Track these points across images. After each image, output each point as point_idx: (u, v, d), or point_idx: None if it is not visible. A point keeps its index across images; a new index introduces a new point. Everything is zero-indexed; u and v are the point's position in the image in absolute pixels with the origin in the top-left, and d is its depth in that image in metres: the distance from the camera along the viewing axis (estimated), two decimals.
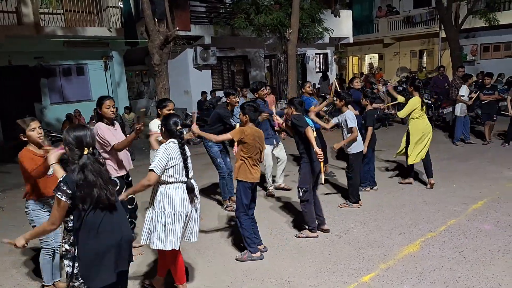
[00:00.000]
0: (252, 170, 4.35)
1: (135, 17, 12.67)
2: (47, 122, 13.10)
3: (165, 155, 3.41)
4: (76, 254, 2.60)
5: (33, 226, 3.76)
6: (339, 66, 23.02)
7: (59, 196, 2.51)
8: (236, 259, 4.42)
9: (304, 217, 4.94)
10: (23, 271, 4.58)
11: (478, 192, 6.17)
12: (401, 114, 6.72)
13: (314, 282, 3.94)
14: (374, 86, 15.24)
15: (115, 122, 4.56)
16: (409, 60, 25.10)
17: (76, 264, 2.60)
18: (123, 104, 14.64)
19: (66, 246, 3.24)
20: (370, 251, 4.51)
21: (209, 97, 14.11)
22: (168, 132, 3.57)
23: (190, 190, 3.55)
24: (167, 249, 3.48)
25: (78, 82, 14.42)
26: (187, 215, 3.54)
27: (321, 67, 20.23)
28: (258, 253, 4.43)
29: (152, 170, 3.37)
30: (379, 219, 5.38)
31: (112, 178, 4.15)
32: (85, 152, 2.57)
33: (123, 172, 4.46)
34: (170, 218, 3.45)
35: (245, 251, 4.44)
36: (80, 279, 2.67)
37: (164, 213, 3.46)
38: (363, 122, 6.36)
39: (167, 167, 3.43)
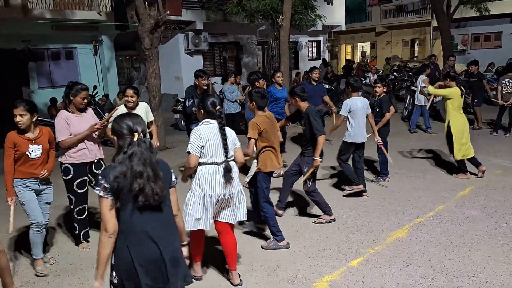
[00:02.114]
0: (274, 157, 4.28)
1: (125, 0, 12.46)
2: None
3: (197, 135, 3.39)
4: (113, 262, 2.31)
5: (19, 202, 3.94)
6: (331, 54, 22.99)
7: (98, 192, 2.24)
8: (262, 247, 4.35)
9: (319, 206, 4.91)
10: (13, 247, 4.57)
11: (467, 179, 6.24)
12: (432, 89, 6.57)
13: (303, 266, 3.98)
14: (366, 75, 15.28)
15: (87, 109, 4.44)
16: (401, 49, 25.17)
17: (114, 274, 2.31)
18: (113, 89, 14.48)
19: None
20: (359, 236, 4.56)
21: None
22: (207, 114, 3.50)
23: (227, 170, 3.47)
24: (196, 229, 3.51)
25: (67, 66, 14.21)
26: (219, 198, 3.48)
27: (314, 55, 20.19)
28: (285, 242, 4.34)
29: (188, 152, 3.40)
30: (368, 205, 5.42)
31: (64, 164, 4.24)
32: (135, 138, 2.29)
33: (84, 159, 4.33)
34: (205, 200, 3.45)
35: (271, 239, 4.37)
36: None
37: (199, 195, 3.46)
38: (377, 109, 6.20)
39: (202, 148, 3.40)
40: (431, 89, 6.63)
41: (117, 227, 2.26)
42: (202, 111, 3.51)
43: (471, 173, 6.35)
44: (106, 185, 2.22)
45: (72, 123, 4.24)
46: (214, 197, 3.46)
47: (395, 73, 15.21)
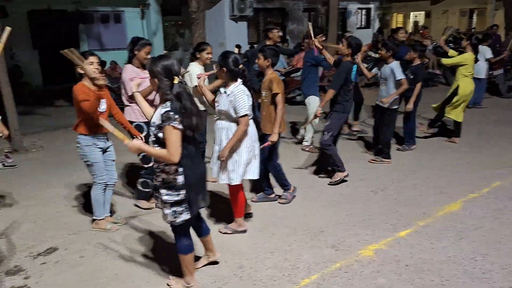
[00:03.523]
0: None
1: None
2: None
3: (246, 95, 3.48)
4: (185, 182, 2.68)
5: (86, 162, 3.83)
6: (382, 23, 21.97)
7: (175, 125, 2.53)
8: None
9: (332, 160, 4.98)
10: (73, 204, 4.74)
11: None
12: (446, 61, 6.33)
13: (347, 233, 3.86)
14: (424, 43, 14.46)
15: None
16: (457, 19, 23.63)
17: (182, 192, 2.69)
18: (159, 54, 14.56)
19: (164, 176, 2.76)
20: (407, 208, 4.36)
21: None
22: (230, 73, 3.49)
23: (257, 123, 3.80)
24: (254, 178, 3.80)
25: (115, 30, 14.37)
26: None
27: (363, 23, 19.36)
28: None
29: (245, 115, 3.45)
30: (418, 178, 5.18)
31: (137, 123, 4.16)
32: (175, 81, 2.57)
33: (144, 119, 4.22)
34: (252, 151, 3.67)
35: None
36: (182, 206, 2.73)
37: (246, 146, 3.61)
38: (411, 77, 5.90)
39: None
40: (445, 60, 6.38)
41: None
42: (225, 69, 3.48)
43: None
44: (180, 119, 2.54)
45: (140, 77, 4.12)
46: (256, 147, 3.74)
47: (451, 44, 14.31)
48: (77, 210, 4.57)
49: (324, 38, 6.11)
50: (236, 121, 3.54)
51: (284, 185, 4.52)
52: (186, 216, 2.76)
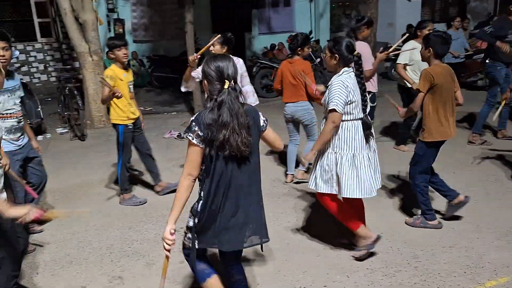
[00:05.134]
0: (445, 122, 3.42)
1: None
2: (254, 51, 14.09)
3: (344, 88, 2.90)
4: (198, 208, 2.20)
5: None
6: None
7: (190, 138, 2.11)
8: (406, 223, 3.70)
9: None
10: None
11: None
12: None
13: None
14: None
15: None
16: None
17: (193, 218, 2.23)
18: (324, 36, 14.60)
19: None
20: None
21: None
22: (343, 60, 2.98)
23: (367, 127, 3.03)
24: (345, 196, 3.03)
25: (284, 13, 14.87)
26: (368, 156, 3.06)
27: None
28: (436, 221, 3.62)
29: (333, 109, 2.89)
30: None
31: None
32: (226, 86, 2.12)
33: None
34: (349, 161, 2.99)
35: (419, 215, 3.71)
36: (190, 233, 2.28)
37: (340, 154, 3.01)
38: None
39: (347, 103, 2.93)
40: None
41: (202, 173, 2.19)
42: (337, 56, 2.98)
43: None
44: (200, 133, 2.09)
45: None
46: (365, 156, 3.03)
47: None
48: None
49: None
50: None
51: (446, 195, 3.72)
52: (196, 246, 2.26)
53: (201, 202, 2.19)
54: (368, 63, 4.41)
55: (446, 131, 3.43)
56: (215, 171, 2.13)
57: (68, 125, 7.33)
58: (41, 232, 3.80)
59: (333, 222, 3.40)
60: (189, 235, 2.27)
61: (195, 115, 2.15)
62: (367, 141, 3.07)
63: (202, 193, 2.20)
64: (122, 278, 3.09)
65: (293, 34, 4.92)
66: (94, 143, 6.64)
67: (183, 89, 4.40)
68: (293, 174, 4.71)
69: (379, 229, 3.46)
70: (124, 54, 4.06)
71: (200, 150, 2.12)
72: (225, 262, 2.42)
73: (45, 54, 11.63)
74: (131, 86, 4.22)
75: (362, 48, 4.17)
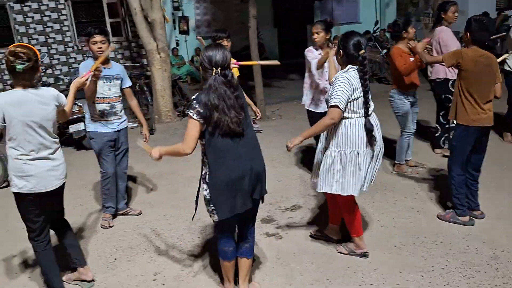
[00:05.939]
0: (474, 109, 3.29)
1: None
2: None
3: (348, 85, 2.81)
4: (208, 180, 2.52)
5: (396, 113, 4.45)
6: None
7: (191, 114, 2.41)
8: (438, 216, 3.61)
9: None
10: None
11: None
12: None
13: None
14: None
15: None
16: None
17: (208, 191, 2.52)
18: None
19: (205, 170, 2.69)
20: None
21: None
22: (346, 57, 2.91)
23: (368, 130, 2.87)
24: (343, 194, 2.95)
25: (348, 4, 14.52)
26: (372, 156, 2.95)
27: None
28: (467, 218, 3.49)
29: (335, 105, 2.80)
30: None
31: None
32: (213, 72, 2.42)
33: None
34: (352, 159, 2.90)
35: (450, 209, 3.60)
36: (211, 205, 2.55)
37: (345, 152, 2.91)
38: None
39: (349, 100, 2.83)
40: None
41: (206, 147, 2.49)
42: (342, 52, 2.93)
43: None
44: (200, 109, 2.38)
45: None
46: (368, 154, 2.91)
47: None
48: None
49: None
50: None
51: (469, 199, 3.60)
52: (216, 217, 2.56)
53: (208, 174, 2.50)
54: (452, 48, 4.23)
55: (476, 118, 3.30)
56: (216, 144, 2.44)
57: (138, 120, 7.68)
58: (139, 214, 4.11)
59: (407, 219, 3.27)
60: (208, 207, 2.55)
61: (195, 95, 2.45)
62: (371, 145, 2.90)
63: (207, 166, 2.50)
64: (193, 267, 3.20)
65: (390, 23, 4.91)
66: (163, 136, 6.91)
67: None
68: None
69: (453, 227, 3.32)
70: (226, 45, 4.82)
71: (200, 126, 2.42)
72: (242, 227, 2.74)
73: (116, 53, 12.27)
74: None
75: (445, 33, 4.30)
